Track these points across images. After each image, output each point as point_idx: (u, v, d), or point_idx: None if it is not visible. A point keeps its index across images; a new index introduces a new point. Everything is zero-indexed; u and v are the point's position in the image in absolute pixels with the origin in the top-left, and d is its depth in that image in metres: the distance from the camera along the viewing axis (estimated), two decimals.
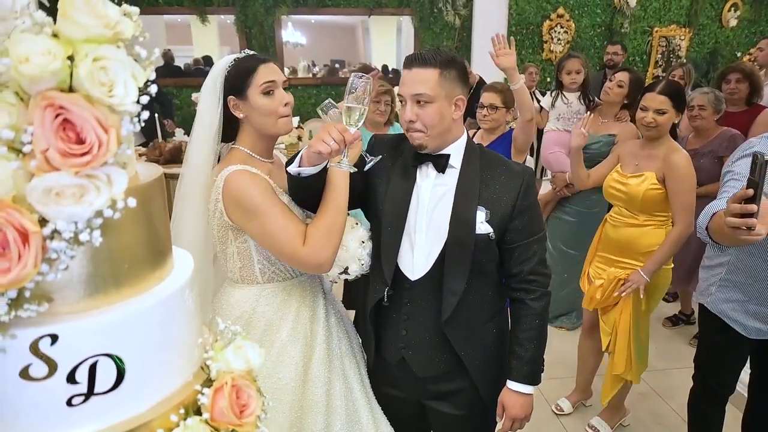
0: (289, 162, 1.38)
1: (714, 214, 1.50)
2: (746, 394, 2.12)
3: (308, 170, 1.31)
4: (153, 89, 0.71)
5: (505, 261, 1.46)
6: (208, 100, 1.47)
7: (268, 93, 1.43)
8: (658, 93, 2.18)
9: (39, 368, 0.70)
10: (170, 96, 6.08)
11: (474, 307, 1.46)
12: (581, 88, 3.47)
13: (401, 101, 1.44)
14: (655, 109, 2.17)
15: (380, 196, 1.48)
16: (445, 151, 1.44)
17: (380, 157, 1.46)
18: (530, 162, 4.21)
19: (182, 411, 0.80)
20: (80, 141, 0.65)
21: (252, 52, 1.50)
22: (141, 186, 0.78)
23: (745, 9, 6.83)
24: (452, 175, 1.44)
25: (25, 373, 0.70)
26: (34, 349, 0.69)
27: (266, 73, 1.43)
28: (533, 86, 4.94)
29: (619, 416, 2.68)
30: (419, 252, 1.43)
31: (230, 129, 1.51)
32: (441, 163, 1.43)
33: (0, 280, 0.63)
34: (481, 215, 1.39)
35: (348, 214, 1.45)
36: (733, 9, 6.80)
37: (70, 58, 0.66)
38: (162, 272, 0.85)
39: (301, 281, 1.54)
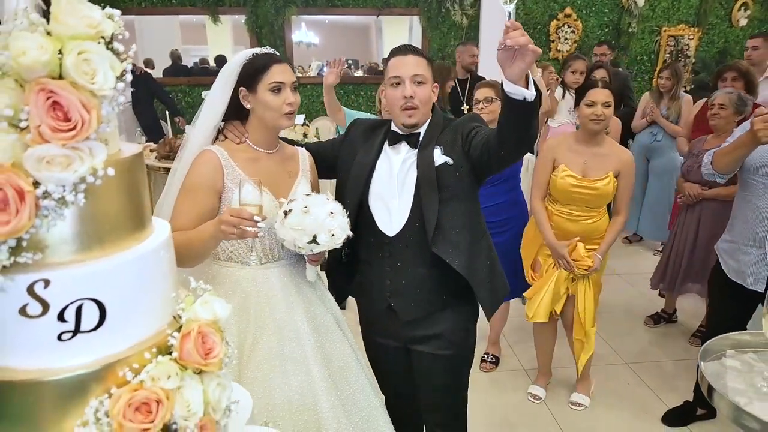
0: None
1: (714, 153, 2.19)
2: None
3: None
4: (128, 78, 0.86)
5: (476, 144, 1.61)
6: (220, 88, 1.65)
7: (274, 91, 1.58)
8: (603, 87, 2.37)
9: (34, 307, 0.85)
10: (171, 94, 6.26)
11: (455, 230, 1.65)
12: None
13: (395, 83, 1.63)
14: (602, 102, 2.35)
15: (343, 172, 1.75)
16: (418, 131, 1.69)
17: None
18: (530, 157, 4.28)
19: (155, 350, 0.95)
20: (67, 119, 0.80)
21: (270, 51, 1.64)
22: (121, 159, 0.93)
23: (755, 8, 6.81)
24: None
25: (23, 311, 0.85)
26: (31, 291, 0.85)
27: (277, 73, 1.58)
28: (555, 84, 4.79)
29: (590, 385, 2.86)
30: (395, 212, 1.67)
31: (236, 116, 1.67)
32: (413, 141, 1.68)
33: (1, 230, 0.78)
34: (437, 151, 1.65)
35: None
36: (743, 8, 6.78)
37: (61, 51, 0.81)
38: (141, 235, 0.99)
39: (257, 272, 1.65)
